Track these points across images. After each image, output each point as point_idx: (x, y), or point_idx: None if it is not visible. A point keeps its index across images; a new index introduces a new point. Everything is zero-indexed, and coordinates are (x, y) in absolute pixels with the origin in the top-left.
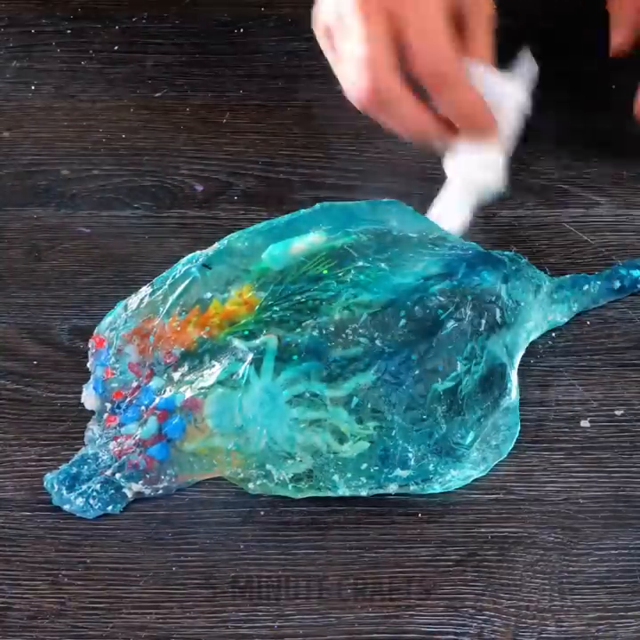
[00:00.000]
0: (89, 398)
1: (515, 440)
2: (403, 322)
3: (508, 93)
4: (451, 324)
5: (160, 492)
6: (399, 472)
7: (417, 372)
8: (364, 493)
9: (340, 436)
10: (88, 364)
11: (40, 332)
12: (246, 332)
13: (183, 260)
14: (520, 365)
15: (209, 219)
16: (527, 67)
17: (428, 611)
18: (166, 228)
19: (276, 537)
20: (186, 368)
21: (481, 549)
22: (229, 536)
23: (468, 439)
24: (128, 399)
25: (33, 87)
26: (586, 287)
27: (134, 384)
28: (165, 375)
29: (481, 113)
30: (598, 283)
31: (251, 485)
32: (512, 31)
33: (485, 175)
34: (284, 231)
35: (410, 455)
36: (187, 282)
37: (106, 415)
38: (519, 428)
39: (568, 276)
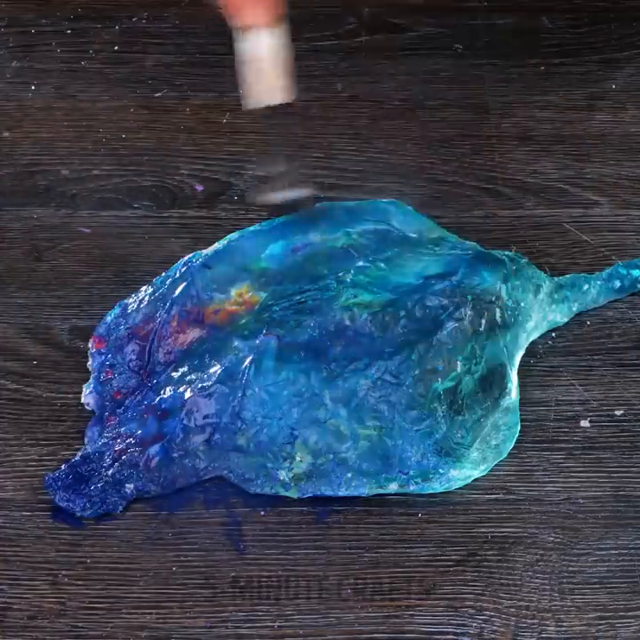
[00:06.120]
0: (89, 398)
1: (515, 440)
2: (403, 322)
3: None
4: (451, 324)
5: (160, 491)
6: (399, 472)
7: (417, 372)
8: (364, 493)
9: (340, 435)
10: (88, 364)
11: (40, 332)
12: (246, 332)
13: (183, 260)
14: (520, 365)
15: (209, 219)
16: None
17: (428, 611)
18: (166, 228)
19: (275, 537)
20: (186, 368)
21: (481, 549)
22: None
23: (468, 439)
24: (128, 399)
25: (33, 87)
26: (586, 287)
27: (134, 384)
28: (165, 375)
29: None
30: (598, 283)
31: (251, 485)
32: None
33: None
34: (283, 231)
35: (410, 455)
36: (187, 282)
37: (106, 415)
38: (519, 427)
39: (568, 275)
